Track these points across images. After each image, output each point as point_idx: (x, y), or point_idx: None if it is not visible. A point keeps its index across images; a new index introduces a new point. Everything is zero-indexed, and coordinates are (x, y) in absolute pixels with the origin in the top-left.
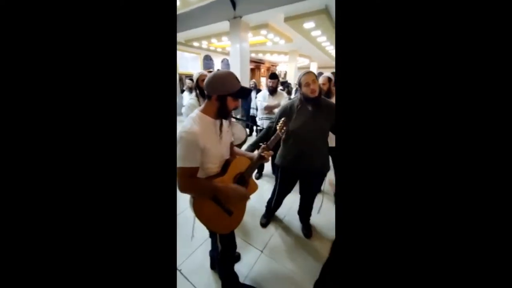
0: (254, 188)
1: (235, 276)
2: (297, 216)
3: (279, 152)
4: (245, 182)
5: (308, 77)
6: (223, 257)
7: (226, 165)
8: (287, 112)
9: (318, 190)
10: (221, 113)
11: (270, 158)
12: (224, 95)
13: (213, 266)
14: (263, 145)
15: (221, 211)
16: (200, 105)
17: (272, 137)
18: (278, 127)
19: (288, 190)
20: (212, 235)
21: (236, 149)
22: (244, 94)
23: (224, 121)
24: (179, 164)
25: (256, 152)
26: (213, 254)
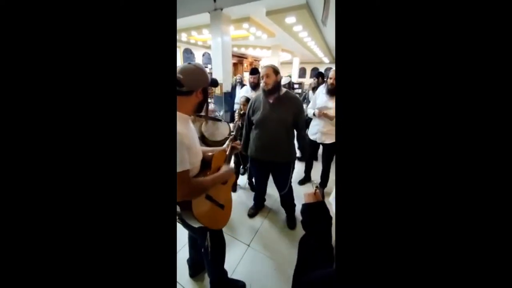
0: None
1: (224, 272)
2: (282, 209)
3: (249, 144)
4: None
5: (263, 70)
6: (214, 255)
7: (205, 162)
8: (252, 103)
9: (287, 180)
10: (202, 105)
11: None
12: (206, 87)
13: (192, 274)
14: (230, 137)
15: (215, 207)
16: None
17: (235, 128)
18: (236, 116)
19: (263, 178)
20: (194, 239)
21: None
22: (215, 83)
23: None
24: None
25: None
26: (192, 262)
